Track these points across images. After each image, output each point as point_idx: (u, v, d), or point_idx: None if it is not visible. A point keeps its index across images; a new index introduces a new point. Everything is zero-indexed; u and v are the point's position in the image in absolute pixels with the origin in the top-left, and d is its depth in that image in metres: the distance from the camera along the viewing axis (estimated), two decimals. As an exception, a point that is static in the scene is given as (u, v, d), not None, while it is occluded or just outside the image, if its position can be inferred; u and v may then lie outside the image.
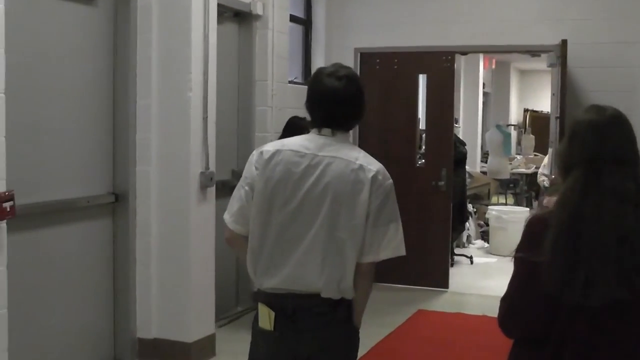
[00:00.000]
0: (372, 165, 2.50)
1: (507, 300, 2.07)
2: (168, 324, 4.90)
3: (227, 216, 2.62)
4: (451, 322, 6.29)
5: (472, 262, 8.68)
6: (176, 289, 4.89)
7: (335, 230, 2.45)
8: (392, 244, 2.49)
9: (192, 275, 4.88)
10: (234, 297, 6.19)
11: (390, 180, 2.52)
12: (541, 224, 2.02)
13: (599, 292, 1.92)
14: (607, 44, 6.70)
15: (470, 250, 9.41)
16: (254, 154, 2.60)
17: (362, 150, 2.58)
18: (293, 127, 5.42)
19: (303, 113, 7.69)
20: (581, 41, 6.53)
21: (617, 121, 2.05)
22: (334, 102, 2.51)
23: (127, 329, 4.87)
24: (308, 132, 2.62)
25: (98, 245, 4.74)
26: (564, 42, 6.13)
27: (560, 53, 6.12)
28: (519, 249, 2.07)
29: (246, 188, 2.56)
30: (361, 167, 2.47)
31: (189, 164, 4.84)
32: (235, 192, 2.61)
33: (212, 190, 5.00)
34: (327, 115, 2.53)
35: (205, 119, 4.93)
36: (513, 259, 2.09)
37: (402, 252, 2.52)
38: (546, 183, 7.27)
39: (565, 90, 6.10)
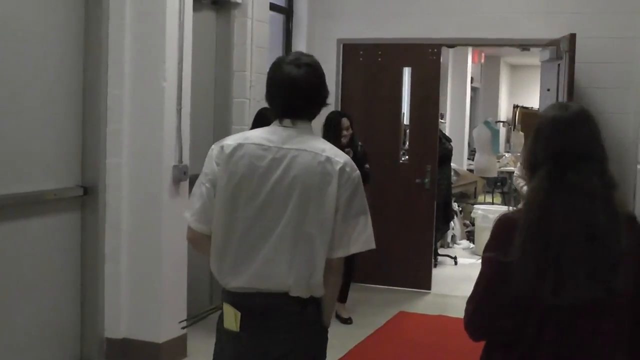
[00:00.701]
0: (339, 157, 2.51)
1: (473, 302, 2.10)
2: (138, 323, 4.91)
3: (188, 215, 2.59)
4: (433, 324, 6.34)
5: (456, 263, 8.74)
6: (147, 287, 4.90)
7: (304, 225, 2.45)
8: (362, 237, 2.51)
9: (163, 272, 4.89)
10: (208, 295, 6.19)
11: (358, 172, 2.53)
12: (510, 223, 2.05)
13: (570, 291, 1.96)
14: (603, 38, 6.74)
15: (455, 250, 9.47)
16: (214, 149, 2.57)
17: (327, 142, 2.58)
18: (263, 119, 5.44)
19: None
20: (578, 35, 6.55)
21: (581, 118, 2.10)
22: (294, 91, 2.50)
23: (94, 328, 4.87)
24: None
25: (65, 240, 4.74)
26: (573, 36, 6.17)
27: (569, 47, 6.14)
28: (487, 249, 2.10)
29: (207, 185, 2.54)
30: (328, 159, 2.47)
31: (161, 156, 4.85)
32: (195, 189, 2.59)
33: (185, 185, 5.01)
34: (287, 105, 2.53)
35: (179, 110, 4.93)
36: (481, 259, 2.13)
37: (372, 245, 2.54)
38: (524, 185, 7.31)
39: (572, 87, 6.13)
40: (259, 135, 2.56)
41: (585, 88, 6.71)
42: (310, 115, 2.57)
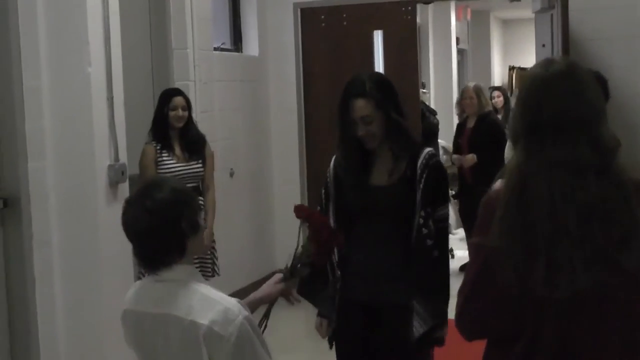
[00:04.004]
0: (205, 315, 2.39)
1: (462, 294, 2.15)
2: (80, 355, 4.92)
3: None
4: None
5: (453, 256, 8.83)
6: (87, 311, 4.90)
7: None
8: None
9: (106, 292, 4.90)
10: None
11: (237, 321, 2.39)
12: (494, 202, 2.08)
13: (567, 282, 1.98)
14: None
15: (451, 241, 9.51)
16: None
17: (199, 290, 2.46)
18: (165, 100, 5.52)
19: (234, 86, 7.50)
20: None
21: (563, 75, 2.08)
22: (132, 237, 2.50)
23: (28, 365, 4.87)
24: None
25: (-14, 263, 4.73)
26: None
27: None
28: (475, 233, 2.15)
29: None
30: (192, 323, 2.39)
31: (93, 156, 4.85)
32: None
33: (124, 187, 5.02)
34: (139, 256, 2.52)
35: (110, 100, 4.93)
36: (469, 246, 2.18)
37: None
38: None
39: (567, 40, 6.18)
40: (133, 296, 2.60)
41: (585, 40, 6.77)
42: (166, 264, 2.49)
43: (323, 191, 3.57)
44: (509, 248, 2.00)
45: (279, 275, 2.85)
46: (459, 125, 8.04)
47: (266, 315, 2.86)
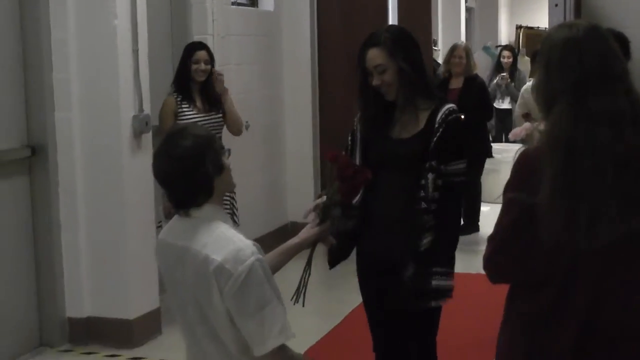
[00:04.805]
0: (219, 252, 2.49)
1: (495, 241, 2.25)
2: (103, 299, 5.07)
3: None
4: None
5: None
6: (111, 257, 5.04)
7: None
8: (274, 330, 2.49)
9: (128, 239, 5.04)
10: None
11: (248, 262, 2.46)
12: (532, 161, 2.18)
13: (604, 233, 2.09)
14: None
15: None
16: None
17: (219, 228, 2.57)
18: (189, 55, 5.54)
19: (250, 40, 7.51)
20: None
21: (594, 34, 2.21)
22: (162, 184, 2.62)
23: (54, 308, 5.01)
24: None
25: (13, 208, 4.85)
26: None
27: None
28: (510, 188, 2.23)
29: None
30: (206, 258, 2.50)
31: (118, 106, 4.95)
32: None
33: (148, 137, 5.13)
34: (172, 200, 2.65)
35: (135, 52, 5.02)
36: (502, 199, 2.24)
37: (290, 334, 2.53)
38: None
39: (580, 1, 6.21)
40: (168, 226, 2.74)
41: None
42: (197, 204, 2.59)
43: (350, 138, 3.53)
44: (555, 206, 2.09)
45: (315, 220, 2.97)
46: (440, 84, 8.01)
47: (308, 263, 2.99)
